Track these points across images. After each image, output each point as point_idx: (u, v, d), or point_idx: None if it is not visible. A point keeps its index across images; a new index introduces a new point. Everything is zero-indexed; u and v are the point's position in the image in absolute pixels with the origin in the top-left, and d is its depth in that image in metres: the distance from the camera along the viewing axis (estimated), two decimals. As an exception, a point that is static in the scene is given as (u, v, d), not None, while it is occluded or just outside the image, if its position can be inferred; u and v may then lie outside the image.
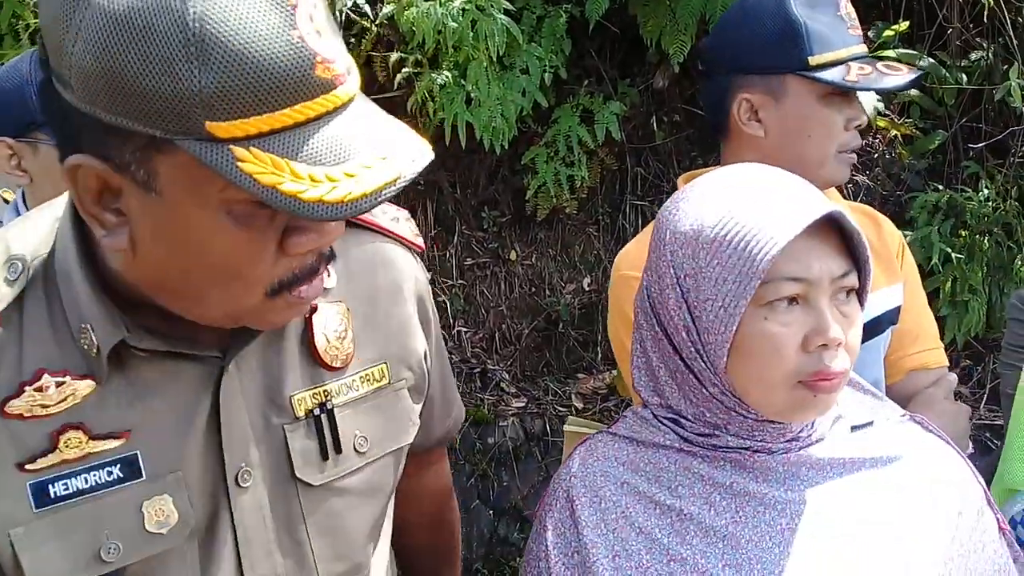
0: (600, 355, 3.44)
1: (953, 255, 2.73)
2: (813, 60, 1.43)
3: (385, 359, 1.02)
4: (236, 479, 0.91)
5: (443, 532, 1.34)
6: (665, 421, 1.02)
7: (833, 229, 0.93)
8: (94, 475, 0.84)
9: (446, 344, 3.51)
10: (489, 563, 3.20)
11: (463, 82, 3.23)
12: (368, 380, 1.00)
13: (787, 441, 0.98)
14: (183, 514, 0.87)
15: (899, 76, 1.42)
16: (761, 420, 0.97)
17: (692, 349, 0.96)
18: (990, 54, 2.97)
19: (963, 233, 2.86)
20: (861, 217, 1.57)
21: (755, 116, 1.48)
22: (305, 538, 0.96)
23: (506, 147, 3.29)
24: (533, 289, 3.58)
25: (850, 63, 1.42)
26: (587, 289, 3.55)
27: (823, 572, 0.93)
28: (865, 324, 1.45)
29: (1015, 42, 2.94)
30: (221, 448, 0.90)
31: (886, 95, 2.97)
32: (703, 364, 0.95)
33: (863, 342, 1.44)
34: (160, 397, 0.87)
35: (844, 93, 1.43)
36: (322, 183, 0.71)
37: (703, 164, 3.42)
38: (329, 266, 0.90)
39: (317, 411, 0.95)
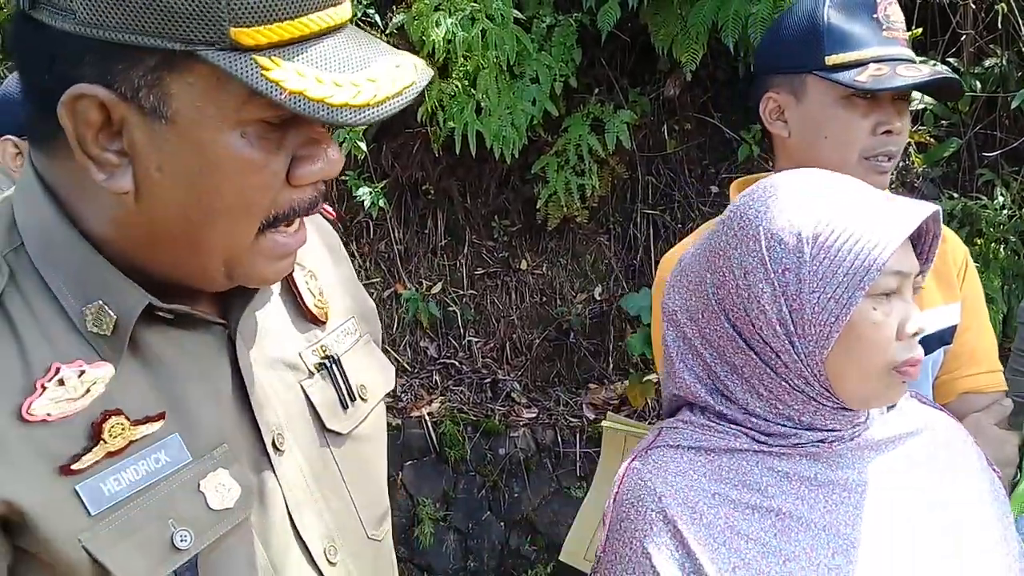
0: (611, 365, 3.42)
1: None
2: (831, 60, 1.40)
3: (351, 314, 1.05)
4: (273, 444, 0.89)
5: None
6: (731, 423, 1.04)
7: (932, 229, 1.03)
8: (143, 465, 0.79)
9: (456, 354, 3.51)
10: (501, 573, 3.17)
11: (473, 91, 3.23)
12: (347, 333, 1.02)
13: (853, 427, 1.04)
14: (244, 484, 0.84)
15: (912, 77, 1.38)
16: (837, 408, 1.01)
17: (785, 342, 0.98)
18: (1004, 61, 2.95)
19: (978, 241, 2.83)
20: None
21: (781, 116, 1.48)
22: (345, 491, 0.95)
23: (516, 156, 3.29)
24: (544, 299, 3.57)
25: (870, 64, 1.39)
26: (598, 299, 3.53)
27: (908, 538, 1.00)
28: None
29: (1030, 49, 2.92)
30: (253, 416, 0.88)
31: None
32: (796, 356, 0.98)
33: None
34: (181, 374, 0.84)
35: (871, 96, 1.39)
36: (345, 88, 0.72)
37: (715, 173, 3.40)
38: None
39: (327, 364, 0.96)
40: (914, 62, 1.43)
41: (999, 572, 1.01)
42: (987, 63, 3.00)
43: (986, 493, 1.07)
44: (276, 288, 0.96)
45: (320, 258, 1.04)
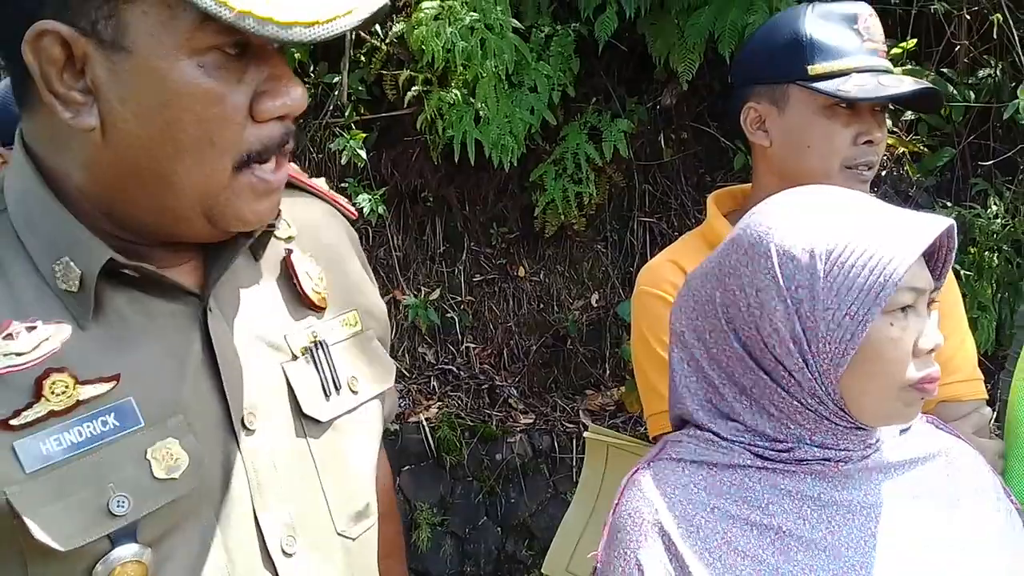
0: (608, 372, 3.44)
1: (962, 272, 2.72)
2: (812, 70, 1.41)
3: (354, 307, 1.04)
4: (242, 423, 0.87)
5: (391, 525, 1.30)
6: (736, 440, 1.02)
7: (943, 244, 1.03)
8: (87, 427, 0.78)
9: (454, 360, 3.53)
10: (498, 580, 3.19)
11: (472, 100, 3.25)
12: (347, 324, 1.01)
13: (864, 448, 1.03)
14: (194, 456, 0.83)
15: (897, 88, 1.39)
16: (851, 427, 1.00)
17: (799, 360, 0.97)
18: (998, 71, 2.98)
19: (972, 250, 2.85)
20: None
21: (762, 126, 1.48)
22: (317, 480, 0.93)
23: (515, 164, 3.31)
24: (541, 305, 3.59)
25: (853, 75, 1.41)
26: (595, 305, 3.56)
27: (911, 566, 0.98)
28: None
29: (1023, 60, 2.94)
30: (223, 392, 0.87)
31: (895, 112, 2.98)
32: (809, 375, 0.97)
33: None
34: (145, 341, 0.83)
35: (852, 106, 1.41)
36: (294, 7, 0.73)
37: (711, 181, 3.43)
38: (285, 220, 0.93)
39: (314, 348, 0.95)
40: (892, 73, 1.45)
41: None
42: (981, 73, 3.03)
43: (998, 525, 1.05)
44: (270, 269, 0.96)
45: (327, 243, 1.04)
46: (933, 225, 0.96)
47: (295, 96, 0.81)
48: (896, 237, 0.95)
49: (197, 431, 0.84)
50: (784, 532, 0.98)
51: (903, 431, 1.08)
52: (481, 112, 3.25)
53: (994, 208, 2.91)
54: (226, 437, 0.87)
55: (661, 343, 1.44)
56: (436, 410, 3.32)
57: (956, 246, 1.03)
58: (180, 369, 0.84)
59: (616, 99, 3.51)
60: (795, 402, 0.99)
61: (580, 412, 3.30)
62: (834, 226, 0.97)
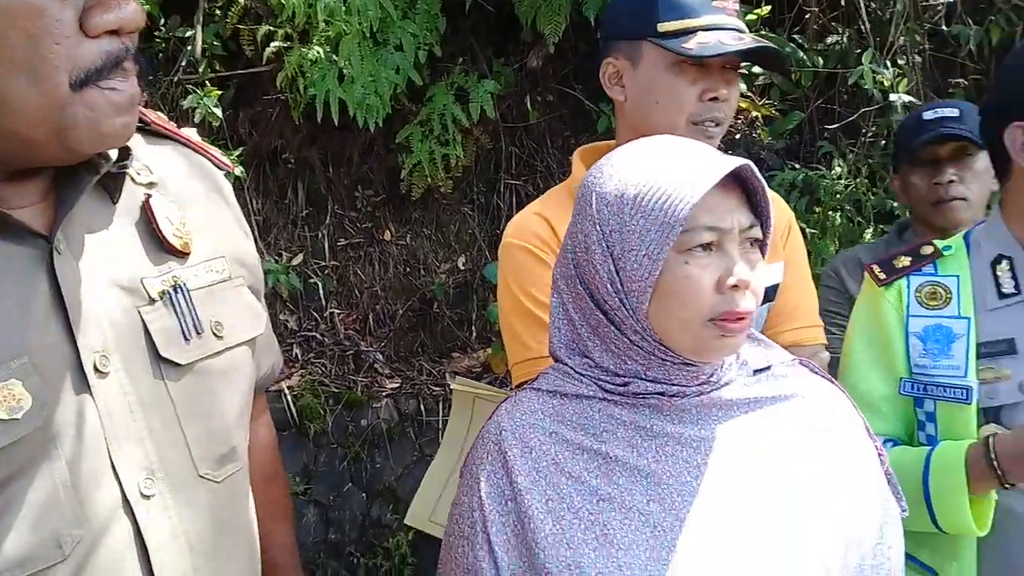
0: (475, 334, 3.43)
1: (807, 230, 2.84)
2: (662, 27, 1.44)
3: (222, 254, 1.05)
4: (94, 366, 0.87)
5: (275, 486, 1.32)
6: (586, 374, 1.08)
7: (740, 187, 1.04)
8: None
9: (317, 327, 3.45)
10: (362, 546, 3.15)
11: (335, 58, 3.16)
12: (211, 271, 1.02)
13: (700, 384, 1.06)
14: (38, 397, 0.83)
15: (738, 46, 1.43)
16: (677, 363, 1.04)
17: (616, 299, 1.04)
18: (845, 39, 3.11)
19: (817, 210, 2.98)
20: None
21: (619, 81, 1.51)
22: (177, 423, 0.94)
23: (380, 125, 3.25)
24: (408, 269, 3.55)
25: (699, 33, 1.44)
26: (462, 269, 3.54)
27: (736, 499, 1.03)
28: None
29: (868, 27, 3.07)
30: (72, 335, 0.86)
31: (750, 77, 3.06)
32: (626, 311, 1.03)
33: None
34: None
35: (700, 63, 1.44)
36: None
37: (576, 144, 3.44)
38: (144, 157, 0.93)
39: (172, 292, 0.95)
40: (743, 32, 1.48)
41: (822, 561, 1.02)
42: (829, 40, 3.15)
43: (849, 471, 1.07)
44: (128, 213, 0.96)
45: (194, 191, 1.05)
46: (720, 166, 0.99)
47: (127, 10, 0.82)
48: (686, 179, 1.00)
49: (44, 373, 0.83)
50: (612, 458, 1.04)
51: (759, 371, 1.10)
52: (345, 71, 3.17)
53: (838, 169, 3.04)
54: (77, 380, 0.87)
55: (526, 293, 1.46)
56: (299, 378, 3.24)
57: (765, 188, 1.04)
58: (24, 311, 0.84)
59: (483, 60, 3.48)
60: (626, 339, 1.05)
61: (447, 375, 3.29)
62: (644, 171, 1.03)
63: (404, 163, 3.39)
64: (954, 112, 2.08)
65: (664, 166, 1.03)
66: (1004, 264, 1.48)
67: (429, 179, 3.41)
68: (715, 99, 1.44)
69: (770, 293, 1.53)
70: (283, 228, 3.51)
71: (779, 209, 1.59)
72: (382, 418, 3.20)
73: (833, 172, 3.03)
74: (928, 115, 2.11)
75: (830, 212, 2.91)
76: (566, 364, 1.10)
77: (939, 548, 1.45)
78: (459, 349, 3.42)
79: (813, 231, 2.81)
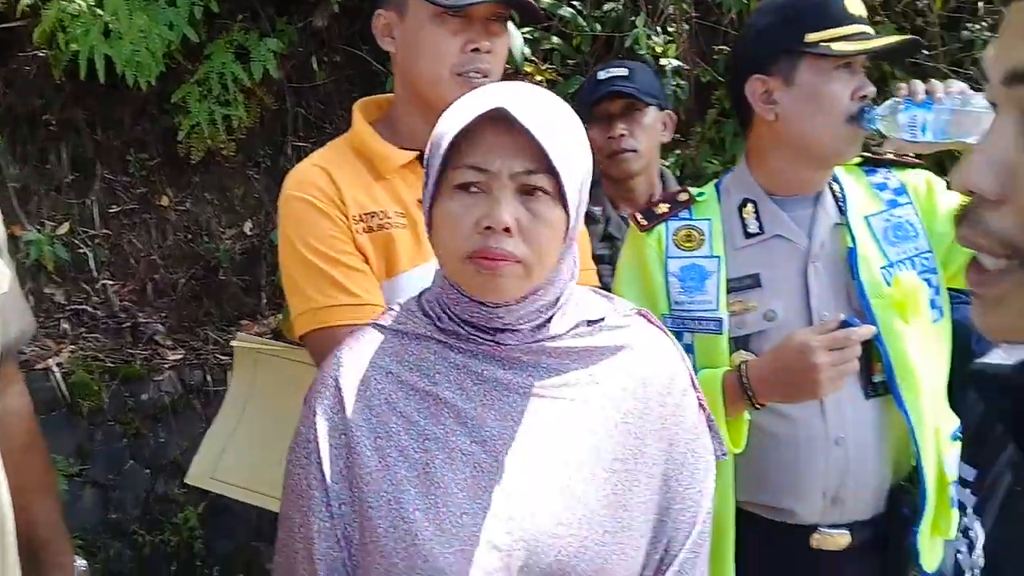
0: (265, 300, 3.33)
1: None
2: None
3: None
4: None
5: (33, 456, 1.26)
6: (426, 312, 1.12)
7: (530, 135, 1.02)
8: None
9: (89, 299, 3.22)
10: (147, 523, 3.00)
11: (100, 11, 2.93)
12: None
13: (508, 330, 1.08)
14: None
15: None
16: (474, 301, 1.08)
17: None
18: (620, 5, 3.25)
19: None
20: None
21: (390, 33, 1.52)
22: None
23: (153, 84, 3.05)
24: (189, 236, 3.38)
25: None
26: (248, 234, 3.41)
27: (557, 445, 1.07)
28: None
29: (641, -5, 3.23)
30: None
31: (534, 41, 3.13)
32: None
33: None
34: None
35: (462, 15, 1.46)
36: None
37: (365, 106, 3.40)
38: None
39: None
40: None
41: (640, 503, 1.07)
42: (606, 7, 3.27)
43: (669, 423, 1.11)
44: None
45: None
46: (475, 108, 1.02)
47: None
48: (454, 120, 1.04)
49: None
50: (442, 400, 1.08)
51: (592, 322, 1.12)
52: (111, 26, 2.95)
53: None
54: None
55: (306, 244, 1.44)
56: (69, 354, 3.01)
57: (545, 135, 1.01)
58: None
59: (265, 18, 3.35)
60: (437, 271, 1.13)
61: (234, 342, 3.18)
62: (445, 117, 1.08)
63: (181, 124, 3.21)
64: (623, 71, 2.23)
65: (455, 105, 1.07)
66: (749, 207, 1.62)
67: (209, 141, 3.25)
68: (477, 50, 1.47)
69: None
70: (45, 196, 3.24)
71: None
72: (164, 391, 3.05)
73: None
74: (602, 75, 2.25)
75: (609, 171, 3.06)
76: (415, 301, 1.15)
77: (700, 468, 1.58)
78: (248, 316, 3.30)
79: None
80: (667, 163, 3.18)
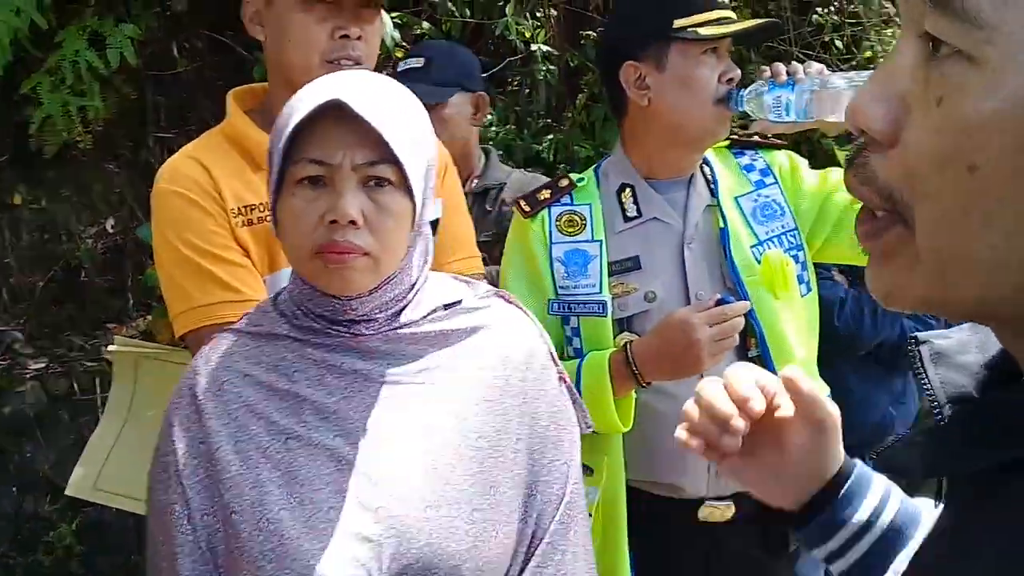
0: (132, 300, 3.18)
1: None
2: None
3: None
4: None
5: None
6: (281, 312, 1.11)
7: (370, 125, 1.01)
8: None
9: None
10: (19, 544, 2.84)
11: (-69, -5, 2.71)
12: None
13: (363, 320, 1.08)
14: None
15: None
16: (326, 295, 1.07)
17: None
18: (489, -10, 3.26)
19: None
20: None
21: (259, 20, 1.51)
22: None
23: (0, 74, 2.84)
24: (46, 236, 3.19)
25: None
26: (111, 232, 3.25)
27: (420, 432, 1.07)
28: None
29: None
30: None
31: (403, 27, 3.10)
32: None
33: None
34: None
35: (333, 2, 1.44)
36: None
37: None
38: None
39: None
40: None
41: (506, 480, 1.08)
42: (476, -6, 3.27)
43: (531, 399, 1.12)
44: None
45: None
46: (312, 100, 1.01)
47: None
48: (290, 115, 1.03)
49: None
50: (302, 397, 1.07)
51: (449, 306, 1.13)
52: (-54, 11, 2.73)
53: (490, 117, 3.21)
54: None
55: (184, 241, 1.40)
56: (-86, 367, 2.81)
57: (386, 125, 1.01)
58: None
59: (120, 2, 3.17)
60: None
61: (103, 348, 3.03)
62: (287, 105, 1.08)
63: (32, 117, 3.01)
64: (419, 63, 2.19)
65: (294, 97, 1.06)
66: (628, 191, 1.67)
67: (64, 134, 3.06)
68: (347, 37, 1.45)
69: (431, 229, 1.59)
70: None
71: (438, 151, 1.64)
72: (28, 403, 2.88)
73: (487, 119, 3.19)
74: (400, 67, 2.24)
75: (487, 158, 3.06)
76: (270, 299, 1.15)
77: (593, 448, 1.62)
78: (115, 319, 3.15)
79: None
80: (540, 147, 3.23)
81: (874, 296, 0.53)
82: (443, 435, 1.08)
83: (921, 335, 0.59)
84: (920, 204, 0.47)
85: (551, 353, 1.19)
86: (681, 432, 0.82)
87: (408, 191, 1.05)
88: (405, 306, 1.10)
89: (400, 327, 1.09)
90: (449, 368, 1.11)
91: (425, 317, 1.11)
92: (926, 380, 0.56)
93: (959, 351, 0.57)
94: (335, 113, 1.00)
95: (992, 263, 0.45)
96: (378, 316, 1.08)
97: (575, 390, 1.21)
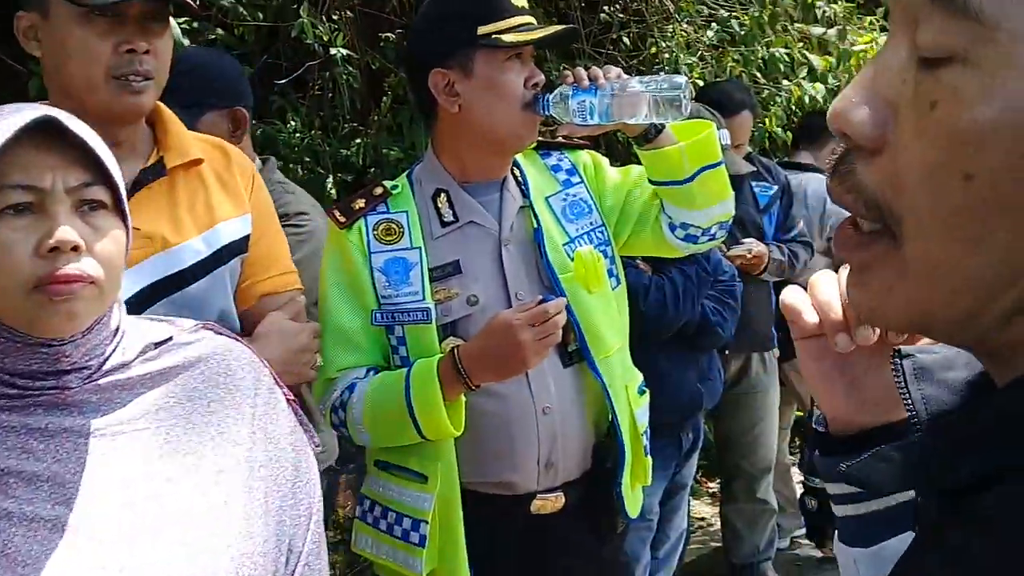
0: None
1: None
2: None
3: None
4: None
5: None
6: None
7: (80, 145, 0.95)
8: None
9: None
10: None
11: None
12: None
13: (73, 371, 0.97)
14: None
15: None
16: (32, 344, 0.95)
17: None
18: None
19: (280, 164, 3.01)
20: (211, 150, 1.53)
21: (35, 35, 1.41)
22: None
23: None
24: None
25: None
26: None
27: (148, 480, 0.98)
28: (209, 255, 1.43)
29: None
30: None
31: (194, 33, 2.94)
32: None
33: (209, 272, 1.42)
34: None
35: (113, 14, 1.36)
36: None
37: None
38: None
39: None
40: None
41: (245, 515, 1.01)
42: (272, -3, 3.17)
43: (259, 426, 1.07)
44: None
45: None
46: (15, 121, 0.92)
47: None
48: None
49: None
50: (5, 471, 0.94)
51: (159, 344, 1.05)
52: None
53: (293, 124, 3.12)
54: None
55: None
56: None
57: (95, 144, 0.97)
58: None
59: None
60: None
61: None
62: None
63: None
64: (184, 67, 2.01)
65: None
66: (443, 197, 1.68)
67: None
68: (133, 51, 1.37)
69: (242, 245, 1.52)
70: None
71: (241, 160, 1.59)
72: None
73: (289, 126, 3.10)
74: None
75: (291, 165, 2.98)
76: None
77: (425, 455, 1.63)
78: None
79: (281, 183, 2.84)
80: (349, 152, 3.18)
81: (856, 312, 0.49)
82: (179, 480, 1.00)
83: (905, 349, 0.56)
84: (909, 215, 0.44)
85: (275, 376, 1.15)
86: (843, 338, 0.65)
87: (122, 214, 0.99)
88: (115, 349, 1.01)
89: (112, 370, 1.00)
90: (171, 408, 1.03)
91: (136, 359, 1.03)
92: (907, 395, 0.53)
93: (944, 367, 0.54)
94: (40, 135, 0.92)
95: (987, 278, 0.42)
96: (89, 363, 0.98)
97: (300, 411, 1.17)
